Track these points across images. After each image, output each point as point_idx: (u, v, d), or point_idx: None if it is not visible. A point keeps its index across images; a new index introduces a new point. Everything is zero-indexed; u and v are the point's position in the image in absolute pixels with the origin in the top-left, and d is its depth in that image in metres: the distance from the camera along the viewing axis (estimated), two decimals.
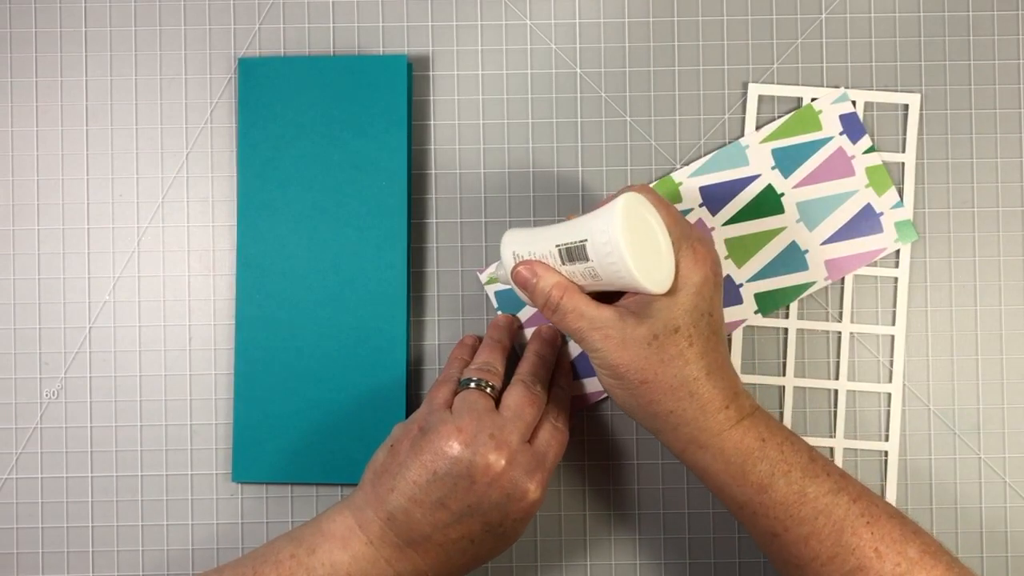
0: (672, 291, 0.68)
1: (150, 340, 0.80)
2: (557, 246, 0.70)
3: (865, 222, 0.79)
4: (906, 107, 0.80)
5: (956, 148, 0.80)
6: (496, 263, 0.80)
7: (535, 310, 0.79)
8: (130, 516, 0.80)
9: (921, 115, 0.80)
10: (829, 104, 0.79)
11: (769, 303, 0.79)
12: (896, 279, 0.80)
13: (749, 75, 0.81)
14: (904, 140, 0.80)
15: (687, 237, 0.69)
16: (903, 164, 0.80)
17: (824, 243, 0.79)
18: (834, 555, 0.67)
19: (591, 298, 0.70)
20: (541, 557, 0.80)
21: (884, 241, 0.79)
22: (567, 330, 0.70)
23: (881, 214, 0.79)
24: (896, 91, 0.80)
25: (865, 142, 0.79)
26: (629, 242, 0.66)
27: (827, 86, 0.80)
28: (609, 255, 0.67)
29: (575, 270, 0.70)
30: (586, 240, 0.68)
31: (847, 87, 0.80)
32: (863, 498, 0.68)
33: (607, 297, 0.71)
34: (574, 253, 0.69)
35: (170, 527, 0.80)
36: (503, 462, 0.69)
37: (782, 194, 0.80)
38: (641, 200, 0.68)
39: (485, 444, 0.69)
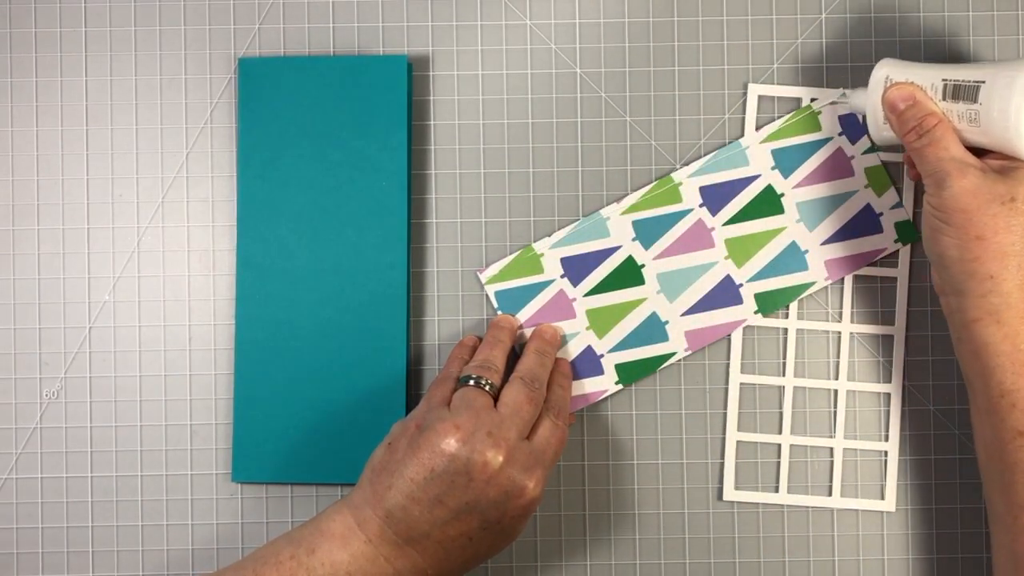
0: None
1: (150, 340, 0.80)
2: (944, 80, 0.71)
3: (865, 222, 0.79)
4: None
5: None
6: (511, 257, 0.80)
7: (536, 310, 0.79)
8: (130, 516, 0.80)
9: None
10: (828, 105, 0.79)
11: (769, 303, 0.79)
12: (896, 279, 0.80)
13: (749, 75, 0.81)
14: None
15: None
16: (903, 164, 0.80)
17: (824, 243, 0.79)
18: None
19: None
20: (541, 557, 0.80)
21: (884, 241, 0.79)
22: (925, 160, 0.71)
23: (881, 214, 0.79)
24: None
25: (864, 142, 0.79)
26: None
27: (827, 86, 0.80)
28: (1005, 103, 0.68)
29: (954, 109, 0.71)
30: (983, 82, 0.69)
31: (847, 87, 0.80)
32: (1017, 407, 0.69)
33: None
34: (962, 92, 0.70)
35: (170, 527, 0.80)
36: (501, 459, 0.69)
37: (782, 194, 0.80)
38: None
39: (483, 441, 0.69)
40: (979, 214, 0.69)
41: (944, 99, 0.71)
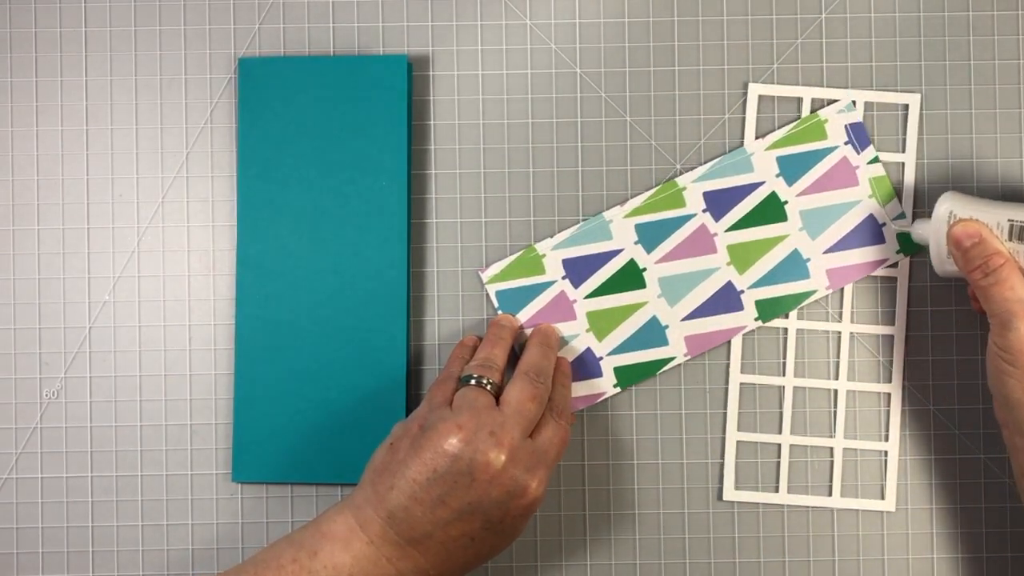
0: None
1: (150, 340, 0.80)
2: (1011, 220, 0.72)
3: (868, 232, 0.79)
4: (906, 107, 0.80)
5: (956, 148, 0.80)
6: (511, 257, 0.80)
7: (536, 311, 0.79)
8: (130, 516, 0.80)
9: (921, 115, 0.80)
10: (835, 113, 0.79)
11: (770, 310, 0.79)
12: (896, 279, 0.80)
13: (749, 75, 0.81)
14: (904, 140, 0.80)
15: None
16: (903, 164, 0.80)
17: (826, 252, 0.79)
18: None
19: None
20: (541, 557, 0.80)
21: (886, 252, 0.79)
22: (991, 300, 0.71)
23: (883, 225, 0.79)
24: (896, 91, 0.80)
25: (870, 152, 0.79)
26: None
27: (827, 86, 0.80)
28: None
29: (1021, 249, 0.71)
30: None
31: (847, 87, 0.80)
32: None
33: None
34: None
35: (170, 527, 0.80)
36: (503, 459, 0.69)
37: (785, 202, 0.79)
38: None
39: (485, 441, 0.69)
40: None
41: (1011, 239, 0.72)
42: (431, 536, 0.69)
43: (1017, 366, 0.69)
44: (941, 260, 0.74)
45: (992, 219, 0.72)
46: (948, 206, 0.74)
